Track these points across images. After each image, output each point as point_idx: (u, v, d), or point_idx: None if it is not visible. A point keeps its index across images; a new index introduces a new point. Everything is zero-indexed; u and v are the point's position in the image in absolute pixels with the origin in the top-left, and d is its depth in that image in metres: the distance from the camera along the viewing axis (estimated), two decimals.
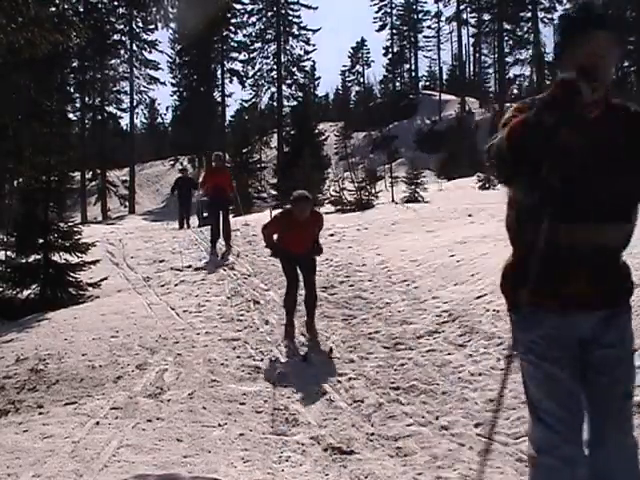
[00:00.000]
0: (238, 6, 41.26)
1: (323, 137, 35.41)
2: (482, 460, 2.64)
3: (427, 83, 55.97)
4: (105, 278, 8.63)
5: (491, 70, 50.08)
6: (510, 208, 1.98)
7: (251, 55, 42.43)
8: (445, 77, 55.22)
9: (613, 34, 1.86)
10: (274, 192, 27.38)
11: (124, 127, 40.07)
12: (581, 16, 1.87)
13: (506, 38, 45.09)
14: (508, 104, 43.53)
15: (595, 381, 1.92)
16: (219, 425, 3.85)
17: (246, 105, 42.86)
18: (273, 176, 31.71)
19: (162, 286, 8.11)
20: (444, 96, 47.83)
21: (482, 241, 7.74)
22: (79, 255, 8.81)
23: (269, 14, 43.03)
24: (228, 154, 33.00)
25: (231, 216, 11.01)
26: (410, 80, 54.53)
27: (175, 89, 41.36)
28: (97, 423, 3.82)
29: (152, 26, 36.94)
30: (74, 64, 34.63)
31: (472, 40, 50.55)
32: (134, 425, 3.77)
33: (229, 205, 10.38)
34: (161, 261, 9.72)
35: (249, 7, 42.57)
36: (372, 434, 3.74)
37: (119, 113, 37.93)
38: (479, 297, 5.70)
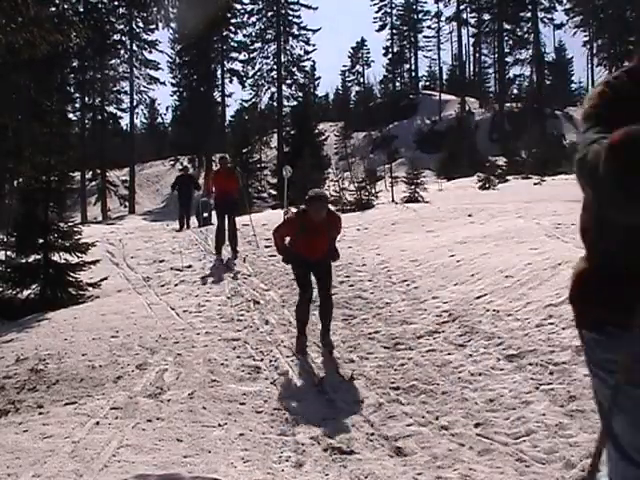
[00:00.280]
0: (238, 6, 41.35)
1: (323, 137, 35.46)
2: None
3: (427, 83, 55.99)
4: (105, 278, 8.63)
5: (491, 70, 50.14)
6: (587, 212, 1.61)
7: (251, 55, 42.51)
8: (445, 77, 55.29)
9: None
10: (274, 192, 27.38)
11: (124, 127, 40.18)
12: None
13: (506, 38, 45.13)
14: (508, 104, 43.72)
15: None
16: (219, 425, 3.85)
17: (246, 105, 42.93)
18: (273, 176, 31.74)
19: (162, 286, 8.10)
20: (444, 96, 47.85)
21: (482, 241, 7.74)
22: (79, 255, 8.80)
23: (269, 14, 43.07)
24: (228, 154, 33.04)
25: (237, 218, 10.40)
26: (410, 80, 54.55)
27: (175, 89, 41.45)
28: (97, 423, 3.81)
29: (152, 26, 37.00)
30: (74, 64, 34.68)
31: (472, 40, 50.61)
32: (134, 425, 3.77)
33: (236, 209, 9.88)
34: (161, 261, 9.71)
35: (249, 7, 42.69)
36: (372, 434, 3.74)
37: (119, 113, 38.03)
38: (479, 297, 5.70)
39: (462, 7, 48.98)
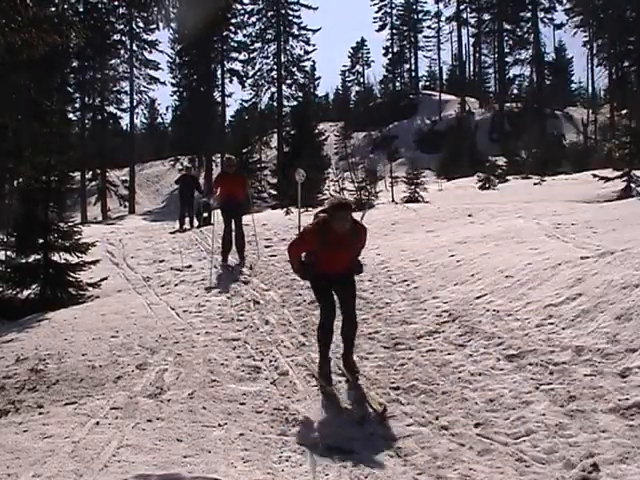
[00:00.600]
0: (238, 6, 41.30)
1: (323, 137, 35.40)
2: None
3: (427, 83, 55.99)
4: (105, 278, 8.63)
5: (491, 70, 50.13)
6: None
7: (251, 55, 42.48)
8: (445, 77, 55.30)
9: None
10: (274, 192, 27.38)
11: (124, 127, 40.14)
12: None
13: (506, 38, 45.13)
14: (508, 104, 43.72)
15: None
16: (219, 425, 3.85)
17: (246, 105, 42.92)
18: (273, 176, 31.72)
19: (162, 286, 8.10)
20: (444, 96, 47.87)
21: (482, 241, 7.74)
22: (79, 255, 8.80)
23: (269, 14, 43.06)
24: (228, 154, 33.01)
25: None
26: (410, 80, 54.55)
27: (175, 89, 41.41)
28: (97, 423, 3.81)
29: (153, 26, 36.92)
30: (74, 64, 34.63)
31: (472, 40, 50.61)
32: (134, 425, 3.77)
33: (242, 212, 9.30)
34: (161, 261, 9.71)
35: (249, 7, 42.67)
36: (372, 434, 3.74)
37: (119, 113, 37.95)
38: (479, 297, 5.69)
39: (462, 7, 49.06)
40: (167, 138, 47.81)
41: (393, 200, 15.98)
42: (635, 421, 3.35)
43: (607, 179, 14.83)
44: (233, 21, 41.05)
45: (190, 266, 9.03)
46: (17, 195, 14.61)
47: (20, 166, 11.32)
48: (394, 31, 52.38)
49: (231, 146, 32.73)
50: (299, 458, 3.44)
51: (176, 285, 8.06)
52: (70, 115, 33.68)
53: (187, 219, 14.20)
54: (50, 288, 8.51)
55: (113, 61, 36.63)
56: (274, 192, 27.37)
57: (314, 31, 43.14)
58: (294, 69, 43.17)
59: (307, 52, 43.26)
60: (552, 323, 4.74)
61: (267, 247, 9.45)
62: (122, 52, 37.01)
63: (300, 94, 41.47)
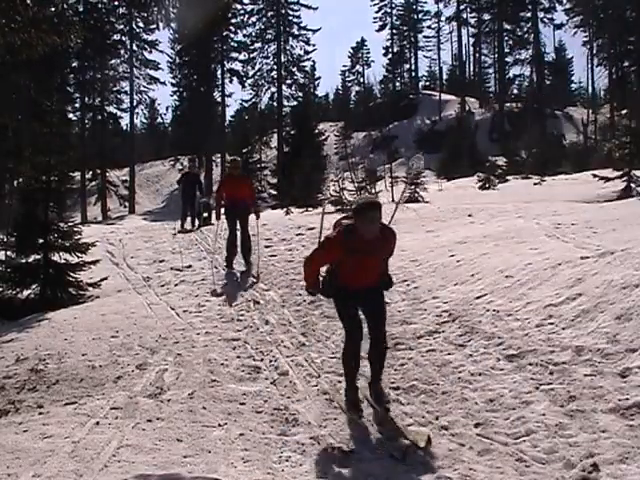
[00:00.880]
0: (238, 6, 41.32)
1: (323, 137, 35.44)
2: None
3: (427, 83, 55.99)
4: (105, 278, 8.62)
5: (491, 70, 50.13)
6: None
7: (251, 55, 42.50)
8: (445, 77, 55.30)
9: None
10: (274, 192, 27.39)
11: (124, 127, 40.15)
12: None
13: (506, 38, 45.13)
14: (508, 104, 43.73)
15: None
16: (219, 425, 3.85)
17: (246, 105, 42.93)
18: (273, 176, 31.73)
19: (162, 286, 8.10)
20: (444, 96, 47.87)
21: (482, 241, 7.73)
22: (79, 255, 8.80)
23: (269, 14, 43.07)
24: (228, 154, 33.03)
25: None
26: (410, 80, 54.55)
27: (175, 89, 41.42)
28: (97, 423, 3.81)
29: (153, 26, 36.96)
30: (74, 64, 34.66)
31: (472, 40, 50.61)
32: (134, 425, 3.77)
33: (248, 215, 8.72)
34: (161, 261, 9.71)
35: (249, 7, 42.69)
36: (372, 434, 3.74)
37: (119, 113, 37.99)
38: (479, 297, 5.69)
39: (462, 7, 49.04)
40: (167, 138, 47.81)
41: (393, 200, 15.98)
42: (635, 421, 3.35)
43: (607, 179, 14.83)
44: (233, 21, 41.09)
45: (190, 266, 9.02)
46: (17, 195, 14.60)
47: (20, 166, 11.32)
48: (394, 31, 52.41)
49: (231, 146, 32.80)
50: (299, 458, 3.44)
51: (176, 285, 8.06)
52: (70, 115, 33.76)
53: (189, 219, 13.93)
54: (50, 288, 8.51)
55: (113, 61, 36.67)
56: (274, 192, 27.36)
57: (314, 31, 43.22)
58: (294, 69, 43.19)
59: (307, 52, 43.33)
60: (552, 323, 4.73)
61: (267, 247, 9.43)
62: (122, 52, 37.06)
63: (300, 94, 41.52)
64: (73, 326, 6.45)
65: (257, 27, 42.90)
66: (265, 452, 3.50)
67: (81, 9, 34.70)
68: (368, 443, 3.62)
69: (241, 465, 3.29)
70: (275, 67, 42.75)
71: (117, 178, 37.63)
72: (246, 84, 42.12)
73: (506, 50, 45.23)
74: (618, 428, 3.32)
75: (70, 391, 4.63)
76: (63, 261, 8.72)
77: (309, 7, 42.72)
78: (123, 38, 37.02)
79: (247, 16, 42.49)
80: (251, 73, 42.56)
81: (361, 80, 55.81)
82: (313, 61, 45.71)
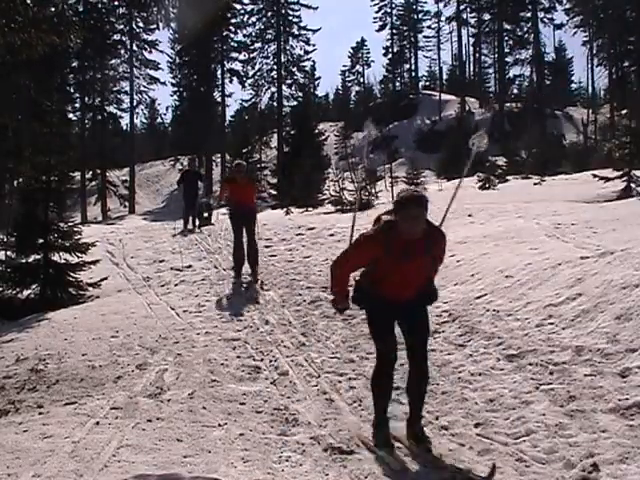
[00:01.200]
0: (238, 6, 41.32)
1: (323, 137, 35.42)
2: None
3: (427, 83, 55.99)
4: (105, 278, 8.62)
5: (491, 70, 50.13)
6: None
7: (251, 55, 42.49)
8: (445, 77, 55.29)
9: None
10: (274, 192, 27.39)
11: (124, 127, 40.15)
12: None
13: (506, 38, 45.12)
14: (508, 104, 43.74)
15: None
16: (219, 425, 3.85)
17: (246, 105, 42.92)
18: (273, 176, 31.72)
19: (162, 286, 8.10)
20: (444, 96, 47.86)
21: (482, 241, 7.74)
22: (79, 255, 8.80)
23: (269, 14, 43.05)
24: (228, 154, 33.03)
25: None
26: (410, 80, 54.54)
27: (175, 89, 41.43)
28: (97, 423, 3.81)
29: (153, 26, 36.97)
30: (74, 64, 34.65)
31: (472, 40, 50.59)
32: (134, 425, 3.77)
33: (255, 220, 8.29)
34: (161, 261, 9.71)
35: (249, 7, 42.66)
36: (372, 434, 3.73)
37: (119, 113, 37.98)
38: (479, 297, 5.69)
39: (462, 7, 49.00)
40: (167, 138, 47.81)
41: (393, 200, 15.95)
42: (635, 421, 3.35)
43: (607, 179, 14.82)
44: (233, 21, 41.09)
45: (190, 266, 9.03)
46: (17, 195, 14.60)
47: (20, 166, 11.33)
48: (394, 31, 52.39)
49: (231, 146, 32.76)
50: (299, 458, 3.43)
51: (176, 285, 8.06)
52: (70, 115, 33.78)
53: (190, 218, 13.76)
54: (50, 288, 8.51)
55: (113, 61, 36.68)
56: (274, 192, 27.35)
57: (314, 31, 43.19)
58: (294, 69, 43.18)
59: (307, 52, 43.30)
60: (552, 323, 4.74)
61: (267, 247, 9.44)
62: (122, 52, 37.06)
63: (300, 94, 41.50)
64: (73, 326, 6.45)
65: (257, 27, 42.93)
66: (265, 452, 3.50)
67: (81, 9, 34.70)
68: (368, 443, 3.61)
69: (241, 465, 3.29)
70: (275, 67, 42.74)
71: (117, 178, 37.62)
72: (246, 84, 42.16)
73: (506, 50, 45.22)
74: (618, 428, 3.32)
75: (70, 391, 4.63)
76: (63, 261, 8.72)
77: (309, 7, 42.74)
78: (123, 38, 37.03)
79: (247, 16, 42.52)
80: (251, 73, 42.60)
81: (361, 80, 55.89)
82: (313, 61, 45.73)
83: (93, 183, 36.43)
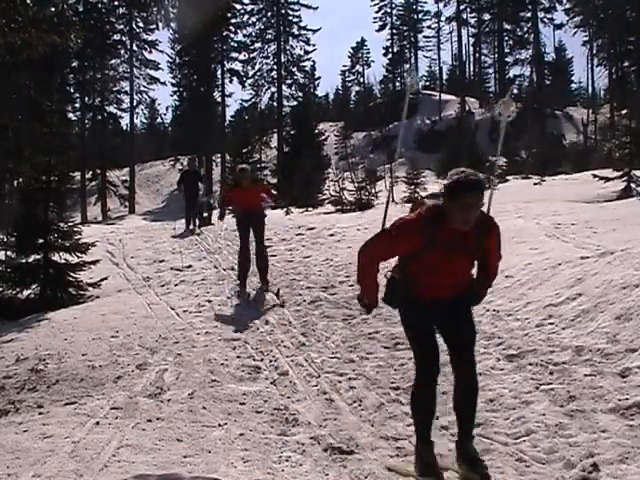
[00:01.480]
0: (238, 6, 41.25)
1: (323, 137, 35.42)
2: None
3: (427, 83, 55.97)
4: (105, 278, 8.63)
5: (491, 70, 50.12)
6: None
7: (251, 55, 42.43)
8: (445, 77, 55.28)
9: None
10: (274, 192, 27.37)
11: (124, 127, 40.13)
12: None
13: (506, 38, 45.11)
14: None
15: None
16: (219, 425, 3.85)
17: (246, 105, 42.91)
18: (273, 176, 31.71)
19: (162, 286, 8.10)
20: (444, 96, 47.83)
21: None
22: (79, 255, 8.81)
23: (269, 14, 43.01)
24: (228, 154, 33.01)
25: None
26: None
27: (175, 89, 41.34)
28: (97, 423, 3.81)
29: (152, 26, 36.93)
30: (74, 64, 34.61)
31: (472, 40, 50.58)
32: (134, 425, 3.77)
33: (263, 224, 7.84)
34: (161, 261, 9.71)
35: (249, 7, 42.59)
36: (372, 434, 3.74)
37: (119, 113, 37.91)
38: None
39: (462, 7, 48.96)
40: (167, 138, 47.78)
41: (393, 200, 15.97)
42: (635, 421, 3.35)
43: (607, 179, 14.82)
44: (233, 21, 40.97)
45: (190, 266, 9.03)
46: (17, 195, 14.60)
47: (20, 166, 11.33)
48: (394, 31, 52.36)
49: (231, 146, 32.73)
50: (299, 458, 3.43)
51: (176, 285, 8.07)
52: (70, 115, 33.71)
53: (191, 218, 13.66)
54: (50, 288, 8.52)
55: (113, 61, 36.61)
56: (274, 192, 27.34)
57: (314, 31, 43.13)
58: (294, 69, 43.14)
59: (307, 52, 43.24)
60: (552, 323, 4.74)
61: (267, 247, 9.42)
62: (122, 52, 36.98)
63: (300, 94, 41.47)
64: (73, 326, 6.45)
65: (257, 27, 42.86)
66: (265, 452, 3.50)
67: (81, 9, 34.64)
68: (368, 443, 3.60)
69: (241, 465, 3.29)
70: (275, 67, 42.71)
71: (117, 178, 37.60)
72: (246, 84, 42.08)
73: (506, 50, 45.21)
74: (618, 428, 3.32)
75: (70, 391, 4.63)
76: (63, 261, 8.72)
77: (309, 7, 42.68)
78: (123, 38, 36.97)
79: (247, 16, 42.44)
80: (251, 73, 42.53)
81: (361, 80, 55.88)
82: (313, 61, 45.68)
83: (93, 183, 36.40)
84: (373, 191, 16.29)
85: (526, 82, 47.22)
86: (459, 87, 47.93)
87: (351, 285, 7.07)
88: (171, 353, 5.31)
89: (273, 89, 42.93)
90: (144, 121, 51.07)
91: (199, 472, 3.13)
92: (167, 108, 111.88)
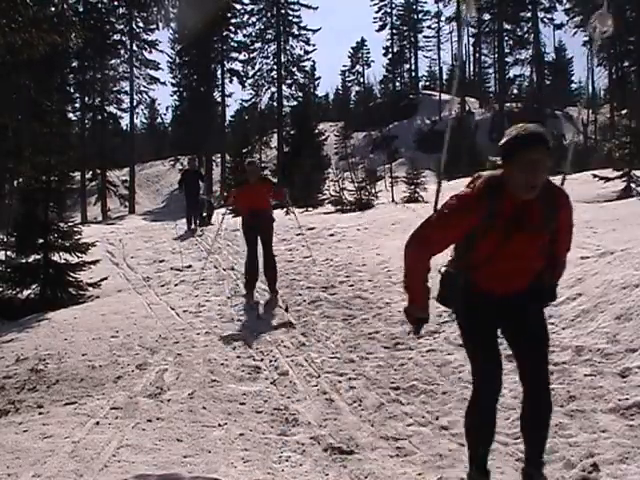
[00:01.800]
0: (238, 6, 41.28)
1: (323, 137, 35.42)
2: None
3: (427, 83, 55.99)
4: (105, 278, 8.63)
5: (491, 70, 50.12)
6: None
7: (251, 55, 42.45)
8: (445, 77, 55.31)
9: None
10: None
11: (124, 127, 40.14)
12: None
13: (506, 38, 45.09)
14: (508, 104, 43.72)
15: None
16: (219, 425, 3.85)
17: (246, 105, 42.92)
18: (273, 176, 31.72)
19: (162, 286, 8.11)
20: (444, 96, 47.85)
21: None
22: (79, 255, 8.82)
23: (269, 14, 43.02)
24: (228, 154, 33.02)
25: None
26: (410, 80, 54.54)
27: (175, 89, 41.39)
28: (97, 423, 3.81)
29: (153, 26, 36.95)
30: (74, 64, 34.64)
31: (472, 40, 50.58)
32: (134, 425, 3.77)
33: (271, 229, 7.27)
34: (161, 261, 9.72)
35: (249, 7, 42.61)
36: (372, 434, 3.74)
37: (119, 113, 37.94)
38: None
39: (462, 7, 48.93)
40: (167, 138, 47.84)
41: (393, 200, 15.99)
42: (635, 421, 3.35)
43: (607, 179, 14.82)
44: (233, 21, 41.04)
45: (190, 266, 9.03)
46: (17, 195, 14.62)
47: (20, 166, 11.34)
48: (394, 31, 52.37)
49: (231, 146, 32.73)
50: (299, 458, 3.43)
51: (176, 285, 8.07)
52: (70, 115, 33.74)
53: (192, 218, 13.48)
54: (50, 288, 8.52)
55: (113, 61, 36.64)
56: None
57: (314, 31, 43.16)
58: (294, 69, 43.15)
59: (307, 52, 43.27)
60: (552, 323, 4.73)
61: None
62: (122, 52, 37.01)
63: (300, 94, 41.49)
64: (73, 326, 6.45)
65: (257, 27, 42.88)
66: (265, 452, 3.50)
67: (81, 9, 34.66)
68: (368, 443, 3.60)
69: (241, 465, 3.29)
70: (275, 67, 42.71)
71: (117, 178, 37.61)
72: (246, 84, 42.11)
73: (506, 50, 45.20)
74: (618, 428, 3.32)
75: (70, 391, 4.63)
76: (63, 261, 8.73)
77: (309, 7, 42.70)
78: (123, 38, 36.99)
79: (247, 16, 42.48)
80: (251, 73, 42.56)
81: (361, 80, 55.90)
82: (313, 61, 45.74)
83: (93, 183, 36.42)
84: (373, 191, 16.29)
85: (526, 82, 47.28)
86: (459, 87, 47.92)
87: (351, 285, 7.07)
88: (171, 353, 5.32)
89: (273, 89, 42.97)
90: (144, 121, 51.21)
91: (199, 472, 3.13)
92: (167, 108, 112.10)
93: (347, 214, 13.53)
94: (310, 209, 16.08)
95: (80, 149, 28.92)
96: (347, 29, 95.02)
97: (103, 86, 35.95)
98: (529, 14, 44.41)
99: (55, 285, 8.56)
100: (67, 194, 11.70)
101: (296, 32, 43.16)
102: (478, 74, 51.43)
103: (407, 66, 54.61)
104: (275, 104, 42.83)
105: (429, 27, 52.99)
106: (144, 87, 38.30)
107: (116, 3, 36.40)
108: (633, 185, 14.16)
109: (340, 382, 4.53)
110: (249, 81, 42.39)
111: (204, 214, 14.29)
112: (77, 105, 35.76)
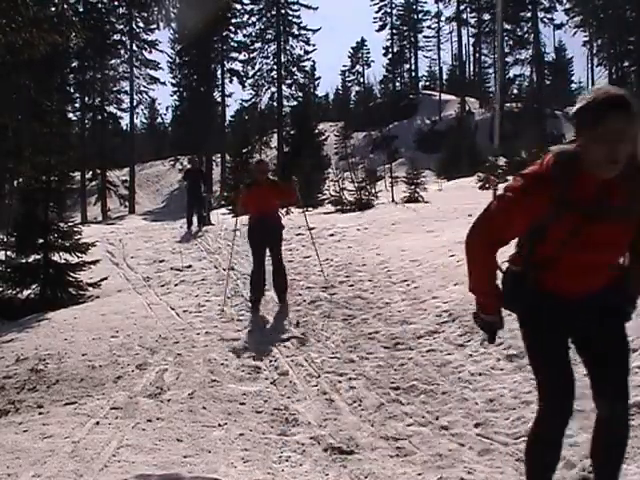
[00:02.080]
0: (238, 6, 41.30)
1: (323, 137, 35.44)
2: None
3: (427, 83, 56.02)
4: (105, 278, 8.63)
5: (491, 70, 50.14)
6: None
7: (251, 55, 42.49)
8: (445, 77, 55.32)
9: None
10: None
11: (124, 127, 40.16)
12: None
13: (506, 38, 45.09)
14: (508, 104, 43.72)
15: None
16: (219, 425, 3.85)
17: (246, 105, 42.94)
18: (273, 176, 31.73)
19: (162, 286, 8.11)
20: (444, 96, 47.86)
21: None
22: (79, 255, 8.82)
23: (269, 14, 43.06)
24: (228, 154, 33.03)
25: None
26: (410, 80, 54.58)
27: (175, 89, 41.41)
28: (97, 423, 3.81)
29: (153, 26, 36.99)
30: (74, 64, 34.66)
31: (472, 40, 50.61)
32: (134, 425, 3.77)
33: (281, 236, 6.87)
34: (161, 261, 9.72)
35: (249, 7, 42.66)
36: (372, 434, 3.74)
37: (119, 113, 37.98)
38: None
39: (462, 7, 49.00)
40: (167, 138, 47.86)
41: (393, 200, 15.99)
42: (635, 421, 3.34)
43: None
44: (233, 21, 41.04)
45: (190, 266, 9.03)
46: (17, 195, 14.63)
47: (20, 166, 11.35)
48: (394, 31, 52.42)
49: (231, 146, 32.72)
50: (299, 458, 3.43)
51: (176, 285, 8.07)
52: (70, 115, 33.78)
53: (194, 218, 13.35)
54: (50, 288, 8.53)
55: (113, 61, 36.68)
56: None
57: (314, 31, 43.19)
58: (294, 69, 43.18)
59: (307, 52, 43.31)
60: None
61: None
62: (122, 52, 37.05)
63: (300, 94, 41.52)
64: (73, 326, 6.45)
65: (257, 27, 42.93)
66: (265, 452, 3.50)
67: (81, 9, 34.68)
68: (368, 443, 3.60)
69: (241, 465, 3.29)
70: (275, 67, 42.74)
71: (117, 178, 37.63)
72: (246, 84, 42.14)
73: (506, 50, 45.21)
74: None
75: (70, 391, 4.63)
76: (63, 261, 8.73)
77: (309, 7, 42.74)
78: (123, 38, 37.02)
79: (247, 16, 42.53)
80: (251, 73, 42.60)
81: (361, 80, 55.92)
82: (313, 61, 45.73)
83: (93, 183, 36.43)
84: (373, 191, 16.28)
85: (526, 82, 47.28)
86: (459, 87, 47.94)
87: (351, 285, 7.07)
88: (171, 353, 5.32)
89: (273, 89, 43.01)
90: (144, 121, 51.25)
91: (199, 472, 3.13)
92: (167, 108, 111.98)
93: (347, 214, 13.53)
94: (310, 209, 16.07)
95: (80, 149, 28.95)
96: (347, 29, 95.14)
97: (103, 86, 35.97)
98: (529, 14, 44.43)
99: (55, 285, 8.56)
100: (67, 194, 11.70)
101: (296, 32, 43.23)
102: (478, 74, 51.44)
103: (407, 66, 54.71)
104: (275, 104, 42.86)
105: (429, 27, 53.15)
106: (144, 87, 38.38)
107: (116, 3, 36.42)
108: None
109: (340, 382, 4.53)
110: (249, 81, 42.47)
111: (204, 214, 14.28)
112: (77, 105, 35.81)
